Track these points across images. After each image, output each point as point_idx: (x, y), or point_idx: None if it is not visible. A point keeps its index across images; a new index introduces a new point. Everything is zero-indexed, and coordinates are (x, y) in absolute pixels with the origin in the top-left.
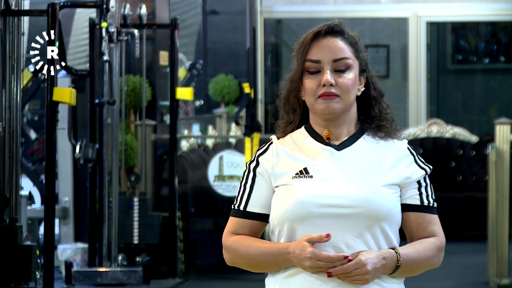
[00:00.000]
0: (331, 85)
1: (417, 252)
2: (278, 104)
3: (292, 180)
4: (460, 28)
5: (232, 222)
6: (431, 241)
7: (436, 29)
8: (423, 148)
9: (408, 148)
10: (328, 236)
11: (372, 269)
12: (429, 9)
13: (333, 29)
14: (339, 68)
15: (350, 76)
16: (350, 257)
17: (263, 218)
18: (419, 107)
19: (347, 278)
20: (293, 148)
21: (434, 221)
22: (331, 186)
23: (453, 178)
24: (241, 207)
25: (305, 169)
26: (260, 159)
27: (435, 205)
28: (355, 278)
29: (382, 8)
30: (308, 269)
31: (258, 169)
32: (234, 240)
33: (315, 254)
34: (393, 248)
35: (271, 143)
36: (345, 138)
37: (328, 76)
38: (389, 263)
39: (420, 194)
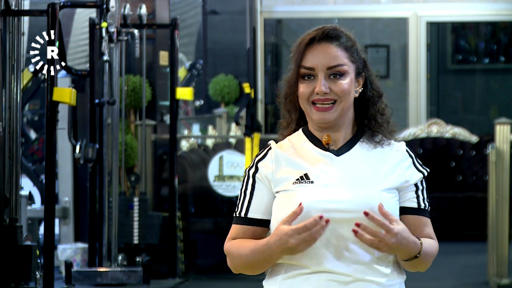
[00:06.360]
0: (325, 93)
1: (430, 249)
2: (278, 103)
3: (293, 186)
4: (460, 28)
5: (234, 229)
6: (433, 243)
7: (436, 29)
8: (423, 148)
9: (407, 151)
10: (300, 205)
11: (396, 242)
12: (429, 9)
13: (328, 35)
14: (334, 75)
15: (346, 81)
16: (326, 218)
17: (264, 224)
18: (419, 107)
19: (371, 239)
20: (292, 153)
21: (429, 224)
22: (332, 192)
23: (453, 178)
24: (242, 214)
25: (306, 174)
26: (259, 165)
27: (429, 208)
28: (379, 244)
29: (382, 8)
30: (297, 248)
31: (257, 175)
32: (230, 244)
33: (293, 229)
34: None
35: (270, 148)
36: (343, 143)
37: (321, 85)
38: (412, 250)
39: (417, 197)
